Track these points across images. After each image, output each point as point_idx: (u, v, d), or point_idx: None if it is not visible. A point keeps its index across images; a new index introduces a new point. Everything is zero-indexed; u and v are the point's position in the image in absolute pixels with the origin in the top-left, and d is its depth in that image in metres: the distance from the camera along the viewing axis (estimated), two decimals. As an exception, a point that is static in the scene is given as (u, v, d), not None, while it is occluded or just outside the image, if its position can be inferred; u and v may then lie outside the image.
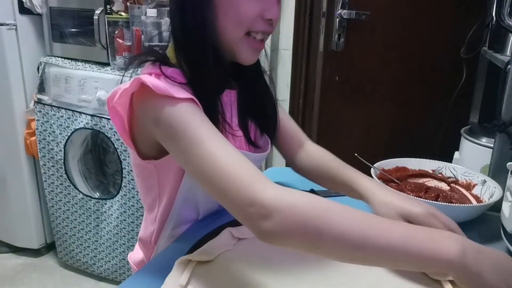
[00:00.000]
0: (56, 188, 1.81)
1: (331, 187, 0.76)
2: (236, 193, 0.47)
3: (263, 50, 0.73)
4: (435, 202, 0.72)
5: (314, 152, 0.79)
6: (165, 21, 1.43)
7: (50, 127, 1.73)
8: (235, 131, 0.69)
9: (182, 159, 0.54)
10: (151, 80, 0.56)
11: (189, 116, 0.54)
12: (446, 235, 0.47)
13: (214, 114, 0.63)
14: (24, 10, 1.74)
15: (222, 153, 0.51)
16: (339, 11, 1.55)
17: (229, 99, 0.70)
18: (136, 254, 0.81)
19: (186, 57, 0.63)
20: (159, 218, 0.72)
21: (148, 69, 0.62)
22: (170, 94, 0.55)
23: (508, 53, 1.17)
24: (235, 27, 0.62)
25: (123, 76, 0.67)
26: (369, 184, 0.65)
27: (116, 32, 1.58)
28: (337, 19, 1.56)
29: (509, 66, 0.85)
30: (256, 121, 0.75)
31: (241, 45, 0.64)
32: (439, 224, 0.57)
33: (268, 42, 1.61)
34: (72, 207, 1.80)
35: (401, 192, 0.70)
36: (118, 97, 0.59)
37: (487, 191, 0.78)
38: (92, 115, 1.62)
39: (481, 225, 0.74)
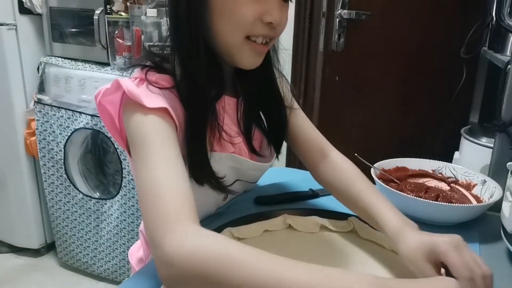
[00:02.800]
0: (56, 188, 1.81)
1: (351, 209, 0.69)
2: (149, 230, 0.46)
3: (275, 55, 0.71)
4: (435, 202, 0.72)
5: (338, 165, 0.73)
6: (165, 21, 1.43)
7: (50, 127, 1.73)
8: (232, 138, 0.67)
9: (134, 169, 0.54)
10: (128, 85, 0.56)
11: (151, 131, 0.53)
12: (359, 282, 0.42)
13: (205, 119, 0.61)
14: (24, 10, 1.74)
15: (159, 178, 0.49)
16: (339, 11, 1.55)
17: (228, 106, 0.68)
18: (137, 251, 0.81)
19: (180, 60, 0.61)
20: None
21: (136, 73, 0.61)
22: (141, 102, 0.54)
23: (508, 53, 1.17)
24: (232, 31, 0.59)
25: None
26: (396, 225, 0.58)
27: (116, 32, 1.58)
28: (337, 19, 1.56)
29: (509, 66, 0.85)
30: (262, 131, 0.73)
31: (241, 49, 0.61)
32: (461, 257, 0.49)
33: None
34: (72, 207, 1.80)
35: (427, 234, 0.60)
36: (102, 95, 0.61)
37: (487, 191, 0.78)
38: (92, 115, 1.62)
39: (481, 225, 0.74)
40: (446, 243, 0.49)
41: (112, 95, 0.60)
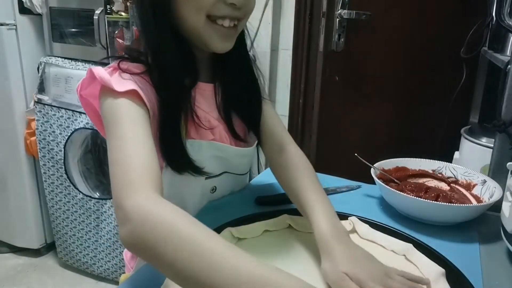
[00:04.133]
0: (56, 188, 1.81)
1: (296, 206, 0.68)
2: (114, 197, 0.48)
3: (250, 40, 0.72)
4: (435, 202, 0.72)
5: (290, 160, 0.72)
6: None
7: (50, 127, 1.73)
8: (212, 124, 0.69)
9: (107, 148, 0.55)
10: (99, 72, 0.58)
11: (122, 111, 0.56)
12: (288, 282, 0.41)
13: (179, 106, 0.63)
14: (24, 10, 1.74)
15: (128, 152, 0.51)
16: (339, 11, 1.55)
17: (205, 92, 0.69)
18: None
19: (150, 48, 0.63)
20: None
21: (111, 64, 0.63)
22: (111, 87, 0.56)
23: (508, 53, 1.17)
24: (194, 13, 0.60)
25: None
26: (324, 231, 0.57)
27: (116, 32, 1.58)
28: (337, 19, 1.56)
29: (509, 66, 0.85)
30: (241, 116, 0.74)
31: (207, 32, 0.62)
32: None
33: (268, 42, 1.62)
34: (72, 207, 1.80)
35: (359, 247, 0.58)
36: (81, 88, 0.63)
37: (487, 191, 0.78)
38: (92, 115, 1.62)
39: (481, 225, 0.74)
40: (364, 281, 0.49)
41: (91, 87, 0.62)
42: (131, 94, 0.57)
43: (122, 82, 0.58)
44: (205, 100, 0.69)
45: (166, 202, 0.47)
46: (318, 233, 0.57)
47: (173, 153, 0.63)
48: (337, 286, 0.51)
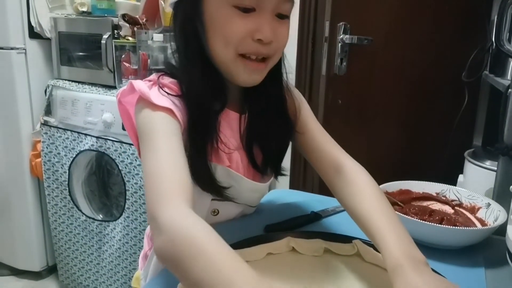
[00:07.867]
0: (60, 210, 1.81)
1: (362, 230, 0.62)
2: (149, 207, 0.50)
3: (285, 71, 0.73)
4: (440, 225, 0.72)
5: (350, 179, 0.67)
6: (171, 45, 1.47)
7: (56, 149, 1.74)
8: (230, 150, 0.69)
9: (141, 159, 0.58)
10: (139, 85, 0.61)
11: (158, 124, 0.58)
12: None
13: (206, 129, 0.64)
14: (34, 34, 1.78)
15: (162, 164, 0.53)
16: (341, 36, 1.58)
17: (231, 120, 0.70)
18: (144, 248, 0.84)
19: (181, 72, 0.65)
20: None
21: (151, 76, 0.66)
22: (150, 100, 0.59)
23: (508, 77, 1.19)
24: (223, 47, 0.61)
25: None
26: (396, 256, 0.52)
27: (123, 56, 1.61)
28: (339, 44, 1.59)
29: (509, 90, 0.86)
30: (262, 149, 0.73)
31: (235, 66, 0.62)
32: None
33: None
34: (75, 229, 1.79)
35: (436, 274, 0.54)
36: (121, 95, 0.67)
37: (492, 214, 0.78)
38: (97, 137, 1.63)
39: (486, 249, 0.73)
40: None
41: (130, 97, 0.65)
42: (167, 110, 0.59)
43: (160, 98, 0.60)
44: (228, 126, 0.69)
45: (197, 217, 0.48)
46: (389, 260, 0.52)
47: (199, 173, 0.64)
48: None
